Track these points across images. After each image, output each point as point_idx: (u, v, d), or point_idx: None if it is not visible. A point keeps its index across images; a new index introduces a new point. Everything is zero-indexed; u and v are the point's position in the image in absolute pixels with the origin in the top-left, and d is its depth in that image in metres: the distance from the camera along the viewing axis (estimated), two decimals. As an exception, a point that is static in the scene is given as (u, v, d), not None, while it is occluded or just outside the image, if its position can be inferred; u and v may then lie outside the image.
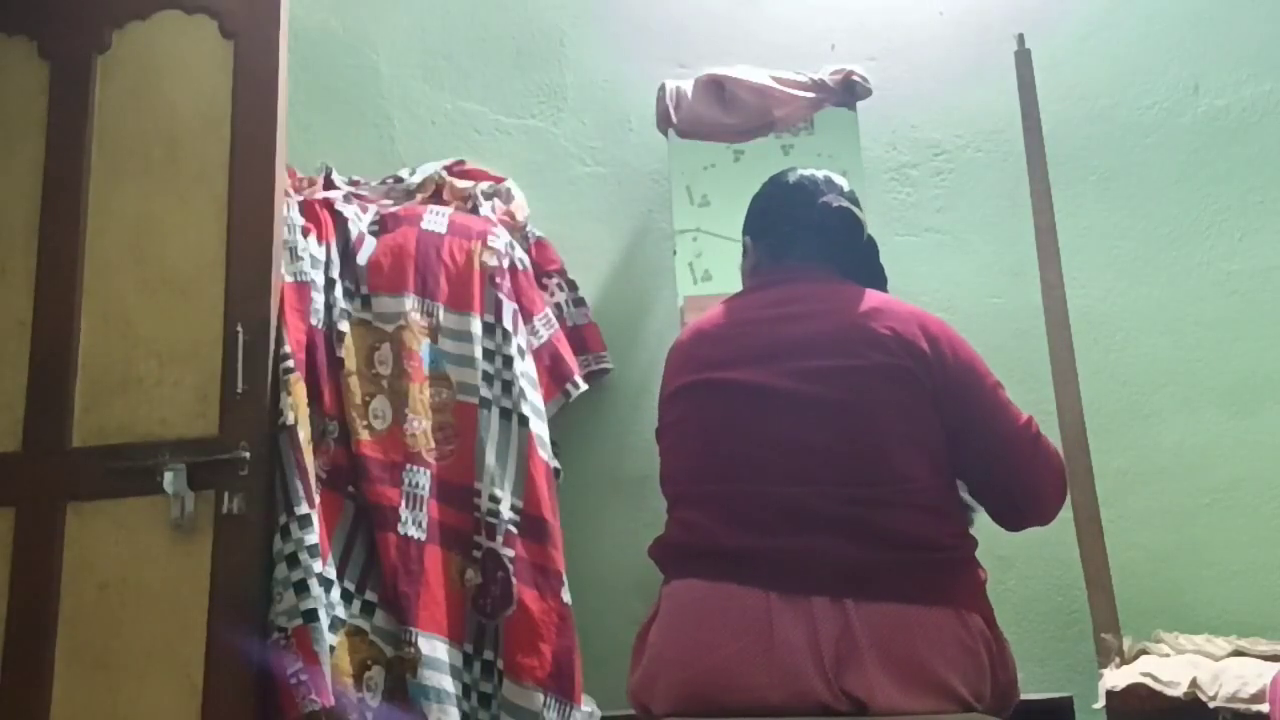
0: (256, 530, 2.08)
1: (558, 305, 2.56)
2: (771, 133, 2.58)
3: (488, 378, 2.30)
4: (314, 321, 2.25)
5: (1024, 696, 1.73)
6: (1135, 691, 1.98)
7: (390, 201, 2.56)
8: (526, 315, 2.43)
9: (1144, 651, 2.10)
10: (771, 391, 1.64)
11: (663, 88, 2.60)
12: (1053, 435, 1.84)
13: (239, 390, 2.14)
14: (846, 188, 1.88)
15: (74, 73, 2.40)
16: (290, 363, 2.16)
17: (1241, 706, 1.86)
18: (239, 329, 2.17)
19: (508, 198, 2.61)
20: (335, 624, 2.07)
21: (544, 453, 2.28)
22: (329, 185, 2.56)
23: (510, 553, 2.17)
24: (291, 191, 2.42)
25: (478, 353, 2.30)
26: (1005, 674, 1.64)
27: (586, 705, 2.17)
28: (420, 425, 2.23)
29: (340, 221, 2.39)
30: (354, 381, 2.24)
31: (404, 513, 2.16)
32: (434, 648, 2.10)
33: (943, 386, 1.65)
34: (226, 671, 2.03)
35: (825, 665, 1.48)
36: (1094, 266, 2.62)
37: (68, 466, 2.20)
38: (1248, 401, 2.52)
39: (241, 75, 2.33)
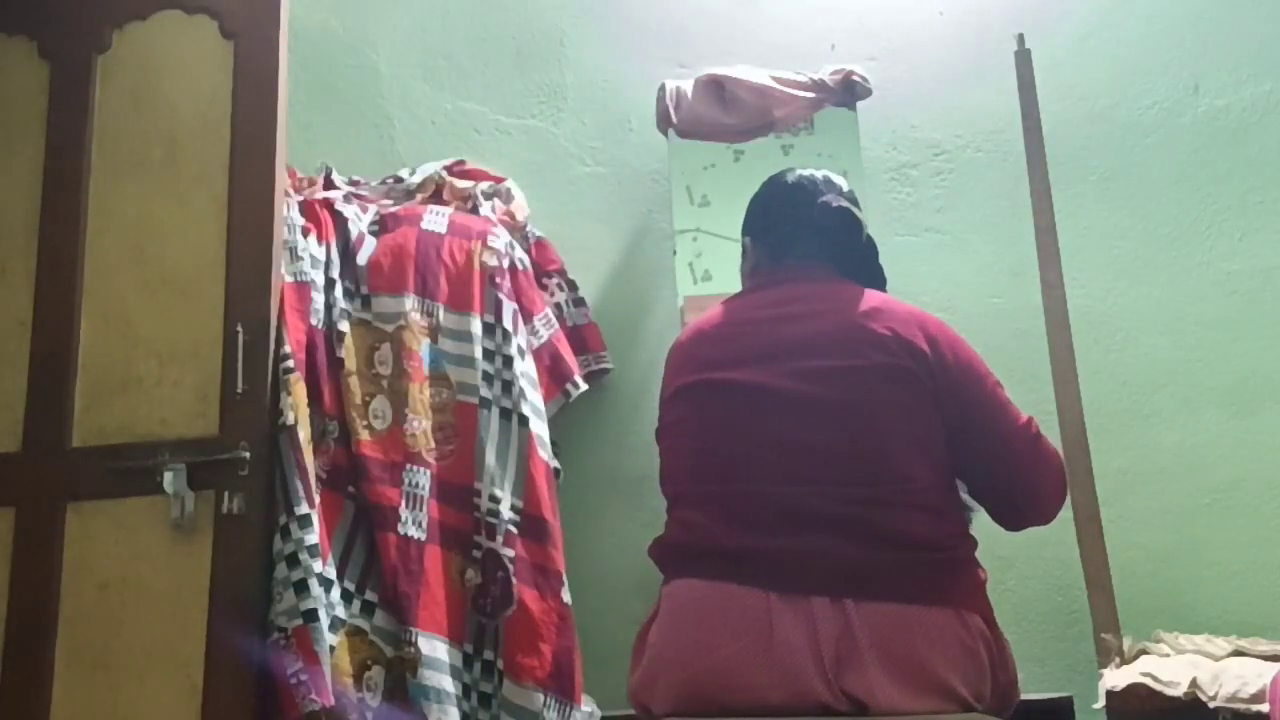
0: (256, 530, 2.08)
1: (558, 305, 2.56)
2: (771, 133, 2.58)
3: (488, 378, 2.30)
4: (314, 321, 2.25)
5: (1024, 696, 1.72)
6: (1135, 691, 1.98)
7: (390, 201, 2.56)
8: (526, 315, 2.43)
9: (1144, 651, 2.10)
10: (771, 391, 1.64)
11: (663, 88, 2.60)
12: (1053, 435, 1.84)
13: (239, 390, 2.14)
14: (845, 188, 1.89)
15: (74, 73, 2.40)
16: (290, 363, 2.16)
17: (1241, 706, 1.86)
18: (239, 329, 2.17)
19: (508, 198, 2.61)
20: (335, 624, 2.07)
21: (544, 453, 2.28)
22: (329, 185, 2.56)
23: (510, 553, 2.17)
24: (291, 191, 2.42)
25: (478, 353, 2.30)
26: (1005, 674, 1.64)
27: (586, 705, 2.17)
28: (420, 425, 2.23)
29: (340, 221, 2.39)
30: (354, 381, 2.25)
31: (404, 513, 2.16)
32: (434, 648, 2.10)
33: (943, 386, 1.65)
34: (226, 671, 2.03)
35: (825, 665, 1.48)
36: (1094, 266, 2.62)
37: (68, 466, 2.20)
38: (1248, 401, 2.53)
39: (241, 75, 2.33)
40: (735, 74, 2.56)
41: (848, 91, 2.56)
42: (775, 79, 2.55)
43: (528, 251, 2.55)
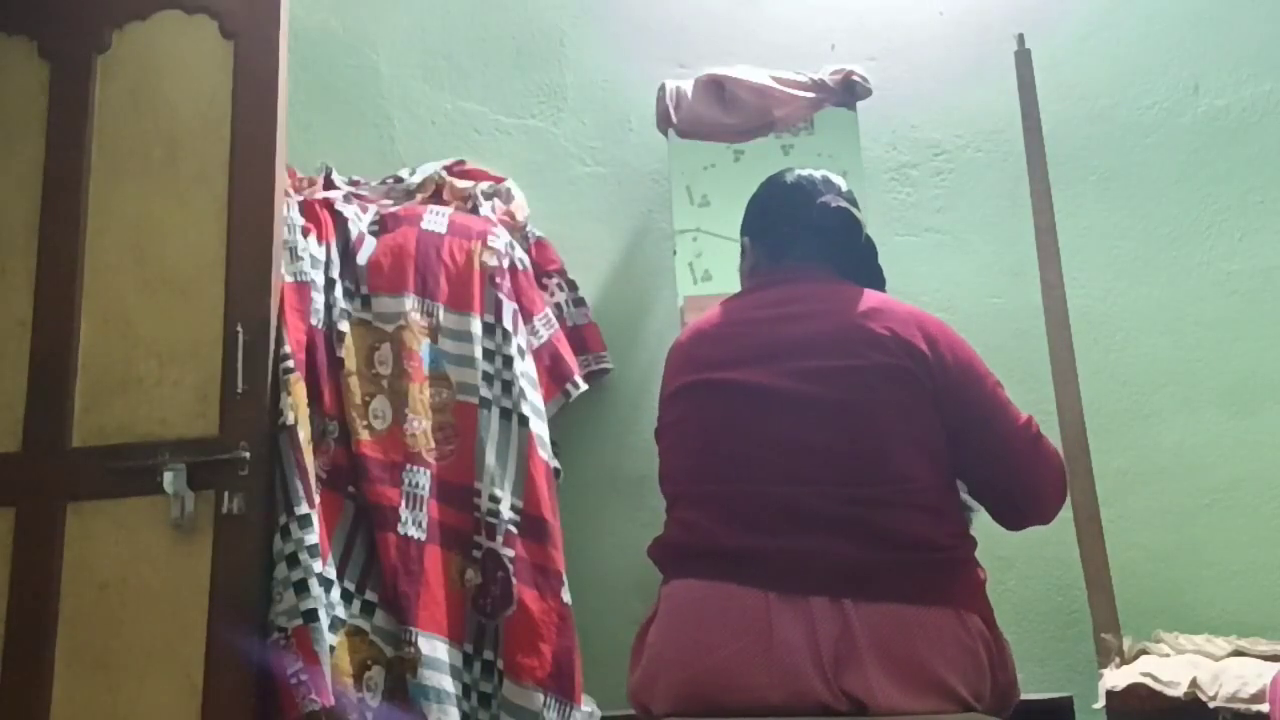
0: (256, 530, 2.09)
1: (558, 305, 2.56)
2: (771, 133, 2.58)
3: (488, 378, 2.30)
4: (314, 321, 2.25)
5: (1024, 696, 1.72)
6: (1135, 691, 1.98)
7: (390, 201, 2.56)
8: (526, 315, 2.43)
9: (1144, 651, 2.10)
10: (771, 391, 1.64)
11: (663, 88, 2.60)
12: (1053, 435, 1.84)
13: (239, 390, 2.14)
14: (844, 188, 1.88)
15: (74, 73, 2.40)
16: (290, 363, 2.16)
17: (1241, 706, 1.86)
18: (239, 329, 2.17)
19: (508, 198, 2.61)
20: (335, 624, 2.07)
21: (544, 453, 2.28)
22: (329, 185, 2.56)
23: (510, 553, 2.17)
24: (291, 191, 2.42)
25: (478, 353, 2.30)
26: (1005, 674, 1.64)
27: (586, 705, 2.17)
28: (420, 425, 2.23)
29: (340, 221, 2.39)
30: (354, 381, 2.25)
31: (404, 513, 2.16)
32: (434, 648, 2.10)
33: (942, 386, 1.65)
34: (226, 671, 2.03)
35: (824, 665, 1.48)
36: (1094, 266, 2.62)
37: (68, 466, 2.20)
38: (1248, 401, 2.53)
39: (241, 75, 2.33)
40: (735, 74, 2.56)
41: (848, 91, 2.56)
42: (775, 79, 2.55)
43: (528, 251, 2.55)
